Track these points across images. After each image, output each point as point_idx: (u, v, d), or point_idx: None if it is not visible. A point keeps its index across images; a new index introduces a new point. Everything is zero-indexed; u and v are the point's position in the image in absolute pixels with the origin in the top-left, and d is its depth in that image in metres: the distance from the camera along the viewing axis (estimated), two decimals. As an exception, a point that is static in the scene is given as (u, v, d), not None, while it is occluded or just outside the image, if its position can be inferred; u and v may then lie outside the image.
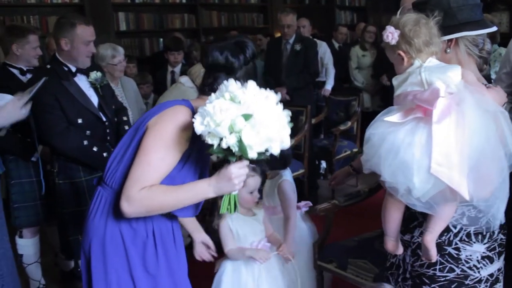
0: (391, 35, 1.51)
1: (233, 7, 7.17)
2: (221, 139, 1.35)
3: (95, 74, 2.74)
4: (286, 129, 1.40)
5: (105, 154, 2.74)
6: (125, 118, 3.02)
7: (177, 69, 4.60)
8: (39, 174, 3.01)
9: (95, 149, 2.70)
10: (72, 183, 2.74)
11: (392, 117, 1.45)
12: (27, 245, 3.10)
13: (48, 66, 2.69)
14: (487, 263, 1.62)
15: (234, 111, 1.34)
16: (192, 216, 1.82)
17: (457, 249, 1.59)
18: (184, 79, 3.59)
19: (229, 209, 1.53)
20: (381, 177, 1.46)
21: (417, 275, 1.68)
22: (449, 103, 1.38)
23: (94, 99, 2.77)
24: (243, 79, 1.51)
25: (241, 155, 1.39)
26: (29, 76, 3.10)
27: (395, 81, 1.54)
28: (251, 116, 1.34)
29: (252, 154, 1.37)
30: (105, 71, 3.56)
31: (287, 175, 2.66)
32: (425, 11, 1.55)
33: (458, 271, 1.61)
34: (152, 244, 1.65)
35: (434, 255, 1.54)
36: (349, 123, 5.03)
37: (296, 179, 4.44)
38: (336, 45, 6.50)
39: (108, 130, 2.83)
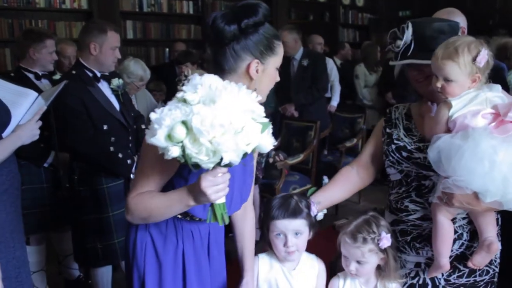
0: (484, 58, 1.48)
1: (239, 20, 7.18)
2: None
3: (117, 81, 2.73)
4: (244, 136, 1.17)
5: (129, 161, 2.72)
6: (143, 126, 3.00)
7: (188, 81, 4.59)
8: (51, 180, 2.98)
9: (120, 155, 2.68)
10: (94, 190, 2.70)
11: (496, 132, 1.42)
12: (34, 252, 3.05)
13: (74, 72, 2.67)
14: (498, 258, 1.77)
15: (176, 115, 1.16)
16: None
17: None
18: None
19: (213, 219, 1.34)
20: (491, 193, 1.40)
21: (456, 287, 1.71)
22: None
23: (116, 106, 2.76)
24: (247, 53, 1.46)
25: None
26: (44, 81, 3.09)
27: (454, 101, 1.50)
28: (188, 121, 1.15)
29: (207, 164, 1.18)
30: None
31: None
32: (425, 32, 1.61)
33: (491, 271, 1.72)
34: (181, 252, 1.59)
35: None
36: (355, 140, 5.05)
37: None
38: (338, 62, 6.53)
39: (130, 137, 2.81)
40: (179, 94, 1.21)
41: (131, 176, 2.80)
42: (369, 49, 6.24)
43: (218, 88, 1.19)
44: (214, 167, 1.22)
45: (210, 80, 1.21)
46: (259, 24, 1.46)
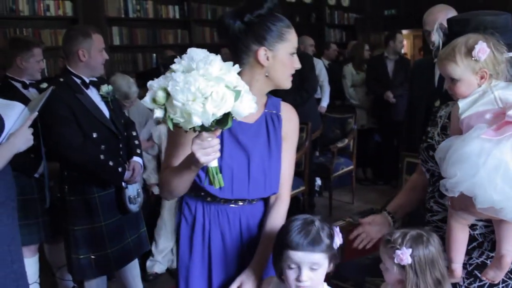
0: (483, 51, 1.43)
1: (226, 24, 7.15)
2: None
3: (106, 88, 2.69)
4: (213, 101, 1.26)
5: (120, 169, 2.67)
6: (134, 133, 2.95)
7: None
8: (42, 190, 2.93)
9: (111, 163, 2.64)
10: (85, 200, 2.66)
11: (488, 134, 1.36)
12: (27, 265, 2.95)
13: (61, 79, 2.63)
14: None
15: (162, 81, 1.30)
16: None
17: None
18: None
19: (210, 183, 1.43)
20: (478, 198, 1.35)
21: None
22: None
23: (106, 113, 2.71)
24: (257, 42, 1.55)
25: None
26: (31, 90, 3.04)
27: (461, 103, 1.47)
28: (167, 87, 1.28)
29: (185, 125, 1.30)
30: None
31: None
32: (463, 30, 1.54)
33: None
34: (208, 234, 1.66)
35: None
36: (346, 141, 5.05)
37: (294, 198, 4.42)
38: (326, 62, 6.54)
39: (121, 145, 2.77)
40: (171, 66, 1.33)
41: (123, 184, 2.76)
42: (356, 48, 6.26)
43: (198, 58, 1.30)
44: (200, 132, 1.34)
45: (194, 52, 1.33)
46: (263, 16, 1.54)
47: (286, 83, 1.63)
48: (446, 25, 1.63)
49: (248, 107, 1.33)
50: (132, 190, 2.82)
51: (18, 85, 3.00)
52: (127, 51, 6.10)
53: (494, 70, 1.47)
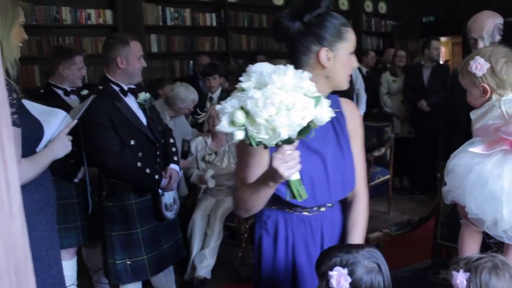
0: (479, 66, 1.46)
1: (262, 31, 7.17)
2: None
3: (144, 95, 2.72)
4: (297, 111, 1.23)
5: (156, 176, 2.70)
6: (171, 140, 2.98)
7: (215, 95, 4.56)
8: (82, 195, 2.99)
9: (148, 171, 2.67)
10: (122, 206, 2.69)
11: (477, 148, 1.40)
12: (65, 267, 3.03)
13: (100, 87, 2.68)
14: None
15: (235, 102, 1.26)
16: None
17: None
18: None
19: (292, 197, 1.40)
20: (466, 209, 1.42)
21: None
22: None
23: (143, 120, 2.74)
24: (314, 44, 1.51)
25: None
26: (73, 97, 3.11)
27: (473, 115, 1.52)
28: (245, 106, 1.24)
29: (270, 141, 1.26)
30: (174, 107, 3.81)
31: None
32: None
33: None
34: (291, 246, 1.65)
35: None
36: (383, 149, 4.96)
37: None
38: (364, 70, 6.47)
39: (158, 152, 2.80)
40: (237, 85, 1.31)
41: (159, 191, 2.79)
42: (393, 55, 6.17)
43: (268, 72, 1.27)
44: (280, 146, 1.30)
45: (261, 67, 1.30)
46: (322, 15, 1.52)
47: (345, 84, 1.61)
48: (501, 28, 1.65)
49: (327, 112, 1.30)
50: (169, 198, 2.84)
51: (60, 92, 3.07)
52: (164, 58, 6.21)
53: (498, 85, 1.48)
